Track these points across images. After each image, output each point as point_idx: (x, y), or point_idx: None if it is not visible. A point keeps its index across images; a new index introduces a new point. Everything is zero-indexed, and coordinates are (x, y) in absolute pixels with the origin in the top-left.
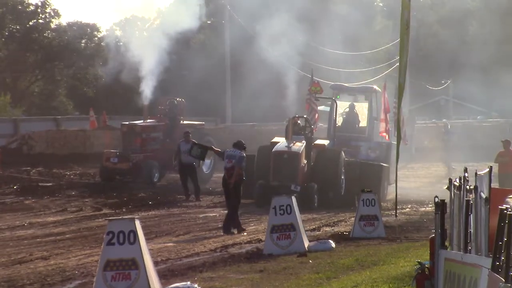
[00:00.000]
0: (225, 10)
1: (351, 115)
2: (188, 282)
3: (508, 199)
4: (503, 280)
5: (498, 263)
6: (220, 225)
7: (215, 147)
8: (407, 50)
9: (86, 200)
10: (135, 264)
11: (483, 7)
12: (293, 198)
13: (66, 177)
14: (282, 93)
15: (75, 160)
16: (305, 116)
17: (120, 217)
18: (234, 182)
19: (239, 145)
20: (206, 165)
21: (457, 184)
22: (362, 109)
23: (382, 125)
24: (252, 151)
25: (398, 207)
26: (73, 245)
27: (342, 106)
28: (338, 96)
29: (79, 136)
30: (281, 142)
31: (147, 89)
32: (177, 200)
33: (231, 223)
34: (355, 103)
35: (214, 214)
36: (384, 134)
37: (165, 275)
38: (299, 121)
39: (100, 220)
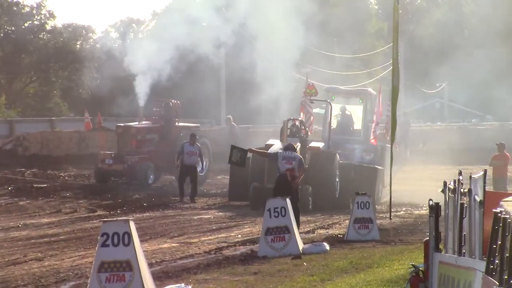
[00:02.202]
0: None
1: (346, 118)
2: (182, 284)
3: (502, 202)
4: (497, 283)
5: (492, 266)
6: (214, 227)
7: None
8: (397, 52)
9: (81, 201)
10: (130, 266)
11: (478, 10)
12: (288, 201)
13: (60, 179)
14: (277, 95)
15: (70, 161)
16: (300, 118)
17: (115, 219)
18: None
19: (292, 147)
20: (200, 167)
21: (452, 187)
22: (357, 111)
23: (374, 130)
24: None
25: (392, 210)
26: (67, 246)
27: (337, 108)
28: (333, 97)
29: (74, 138)
30: (275, 144)
31: (142, 90)
32: (172, 202)
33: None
34: (349, 106)
35: (208, 216)
36: (373, 141)
37: (160, 277)
38: (297, 123)
39: (94, 221)
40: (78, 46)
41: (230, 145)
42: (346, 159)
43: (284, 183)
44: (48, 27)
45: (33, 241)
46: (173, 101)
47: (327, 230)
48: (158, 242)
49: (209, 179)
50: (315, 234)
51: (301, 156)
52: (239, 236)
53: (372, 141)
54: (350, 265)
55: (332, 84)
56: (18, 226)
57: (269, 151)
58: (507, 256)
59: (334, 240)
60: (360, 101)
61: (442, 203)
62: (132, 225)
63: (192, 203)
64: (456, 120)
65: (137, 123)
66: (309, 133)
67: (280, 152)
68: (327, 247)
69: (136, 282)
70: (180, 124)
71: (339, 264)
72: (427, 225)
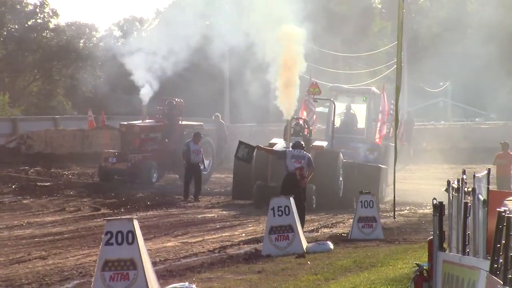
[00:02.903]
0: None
1: (350, 117)
2: (186, 283)
3: (506, 201)
4: (501, 282)
5: (496, 266)
6: (218, 226)
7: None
8: (401, 50)
9: (85, 200)
10: (134, 264)
11: (481, 10)
12: (292, 199)
13: (64, 177)
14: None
15: (74, 160)
16: (303, 117)
17: (119, 217)
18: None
19: (301, 146)
20: (203, 166)
21: (456, 186)
22: (360, 110)
23: (380, 129)
24: None
25: (396, 209)
26: (71, 245)
27: (341, 107)
28: (337, 97)
29: (78, 136)
30: (279, 143)
31: (145, 89)
32: (176, 201)
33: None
34: (353, 105)
35: (212, 215)
36: (377, 140)
37: (164, 276)
38: (301, 122)
39: (98, 220)
40: (81, 44)
41: (218, 143)
42: (349, 158)
43: (293, 182)
44: (51, 26)
45: (37, 239)
46: (176, 99)
47: (331, 229)
48: (162, 241)
49: (213, 178)
50: (319, 233)
51: (309, 155)
52: (243, 235)
53: (377, 140)
54: (354, 264)
55: (336, 83)
56: (22, 224)
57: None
58: (511, 255)
59: (338, 239)
60: (364, 99)
61: (446, 202)
62: (136, 223)
63: (196, 202)
64: (460, 119)
65: (140, 121)
66: (312, 132)
67: (289, 151)
68: (331, 246)
69: (140, 280)
70: (184, 122)
71: (343, 263)
72: (431, 224)
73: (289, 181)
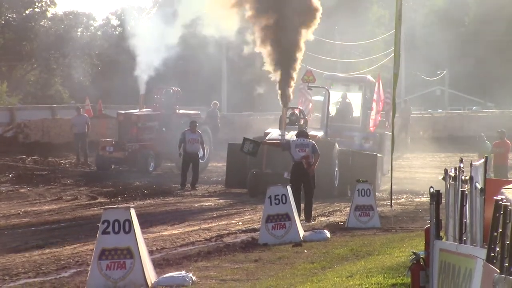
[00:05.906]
0: None
1: (345, 105)
2: (183, 272)
3: (503, 190)
4: (498, 271)
5: (493, 254)
6: (215, 215)
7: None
8: (399, 40)
9: (82, 189)
10: (130, 253)
11: None
12: (288, 188)
13: (61, 166)
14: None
15: (71, 148)
16: (299, 106)
17: (115, 206)
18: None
19: (305, 134)
20: (201, 154)
21: (453, 175)
22: (355, 99)
23: (375, 118)
24: None
25: (393, 197)
26: (68, 234)
27: (336, 96)
28: (332, 85)
29: None
30: (273, 132)
31: (142, 78)
32: (173, 189)
33: (311, 210)
34: (348, 93)
35: (209, 204)
36: (371, 128)
37: (160, 264)
38: (297, 112)
39: (95, 209)
40: (79, 33)
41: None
42: (345, 147)
43: (301, 171)
44: (49, 15)
45: (33, 228)
46: (173, 88)
47: (327, 218)
48: (159, 230)
49: (210, 166)
50: (315, 222)
51: (314, 142)
52: (240, 223)
53: (371, 128)
54: (351, 252)
55: (333, 72)
56: (19, 213)
57: (267, 138)
58: (507, 243)
59: (334, 228)
60: (359, 88)
61: (443, 191)
62: (133, 212)
63: (193, 191)
64: (457, 108)
65: (137, 110)
66: (308, 122)
67: (293, 141)
68: (328, 234)
69: (137, 269)
70: (181, 111)
71: (340, 252)
72: (428, 213)
73: (297, 171)
